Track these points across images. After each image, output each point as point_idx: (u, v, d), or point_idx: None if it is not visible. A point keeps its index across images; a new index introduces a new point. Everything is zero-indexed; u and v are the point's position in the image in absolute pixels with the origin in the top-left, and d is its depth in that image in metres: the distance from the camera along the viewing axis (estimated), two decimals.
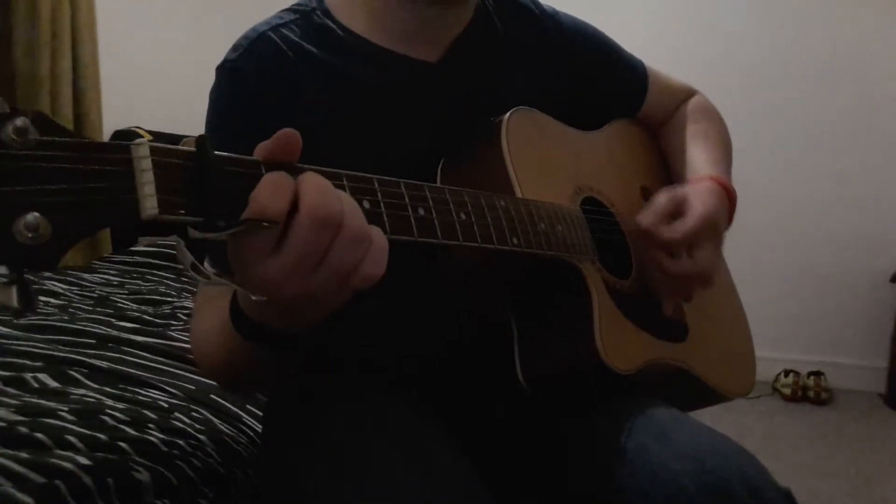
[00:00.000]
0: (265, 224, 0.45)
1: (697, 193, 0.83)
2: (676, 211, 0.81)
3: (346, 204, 0.47)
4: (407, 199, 0.55)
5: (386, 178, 0.53)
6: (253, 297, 0.48)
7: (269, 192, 0.45)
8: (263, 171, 0.46)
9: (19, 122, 0.36)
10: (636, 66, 0.98)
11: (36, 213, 0.36)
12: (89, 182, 0.38)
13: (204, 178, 0.43)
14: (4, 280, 0.37)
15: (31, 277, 0.38)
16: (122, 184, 0.39)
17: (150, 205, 0.40)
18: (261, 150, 0.48)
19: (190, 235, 0.44)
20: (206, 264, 0.46)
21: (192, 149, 0.43)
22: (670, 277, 0.81)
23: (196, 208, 0.42)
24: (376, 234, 0.48)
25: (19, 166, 0.36)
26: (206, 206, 0.43)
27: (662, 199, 0.81)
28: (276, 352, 0.60)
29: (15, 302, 0.37)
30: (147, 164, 0.40)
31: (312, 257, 0.46)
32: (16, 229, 0.36)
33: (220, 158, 0.44)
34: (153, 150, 0.40)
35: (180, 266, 0.44)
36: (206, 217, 0.43)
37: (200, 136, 0.43)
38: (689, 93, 1.04)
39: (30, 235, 0.36)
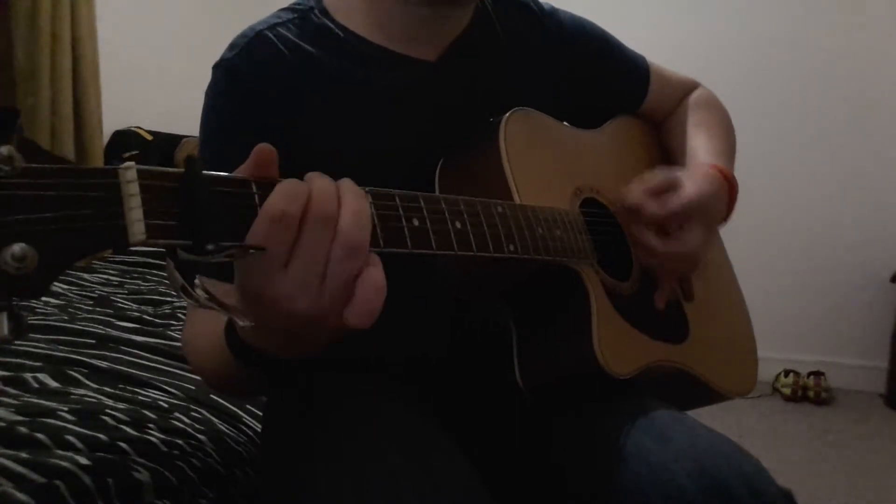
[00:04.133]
0: (252, 251, 0.45)
1: (692, 176, 0.82)
2: (668, 189, 0.81)
3: (346, 208, 0.47)
4: (400, 211, 0.54)
5: (379, 189, 0.53)
6: (241, 323, 0.48)
7: (288, 196, 0.45)
8: (254, 189, 0.46)
9: (4, 150, 0.35)
10: (638, 62, 0.98)
11: (22, 244, 0.36)
12: (76, 209, 0.38)
13: (193, 200, 0.42)
14: None
15: (21, 304, 0.37)
16: (109, 210, 0.39)
17: (138, 230, 0.39)
18: (241, 171, 0.47)
19: (179, 258, 0.43)
20: (196, 286, 0.45)
21: (181, 170, 0.42)
22: (654, 256, 0.80)
23: (186, 231, 0.42)
24: (375, 266, 0.48)
25: (5, 195, 0.36)
26: (195, 229, 0.42)
27: (655, 175, 0.81)
28: (271, 376, 0.61)
29: (5, 330, 0.37)
30: (134, 188, 0.39)
31: (318, 266, 0.46)
32: (2, 260, 0.35)
33: (210, 178, 0.43)
34: (141, 174, 0.40)
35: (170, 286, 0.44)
36: (195, 240, 0.42)
37: (189, 157, 0.43)
38: (692, 86, 1.04)
39: (17, 266, 0.35)
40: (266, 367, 0.60)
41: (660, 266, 0.82)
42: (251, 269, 0.47)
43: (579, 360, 0.72)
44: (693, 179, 0.82)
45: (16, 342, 1.23)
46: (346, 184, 0.49)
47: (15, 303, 0.37)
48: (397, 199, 0.54)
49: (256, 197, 0.46)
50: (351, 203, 0.47)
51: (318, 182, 0.47)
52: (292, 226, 0.45)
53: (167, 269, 0.44)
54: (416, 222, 0.55)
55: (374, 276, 0.47)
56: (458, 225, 0.59)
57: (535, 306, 0.76)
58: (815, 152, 2.87)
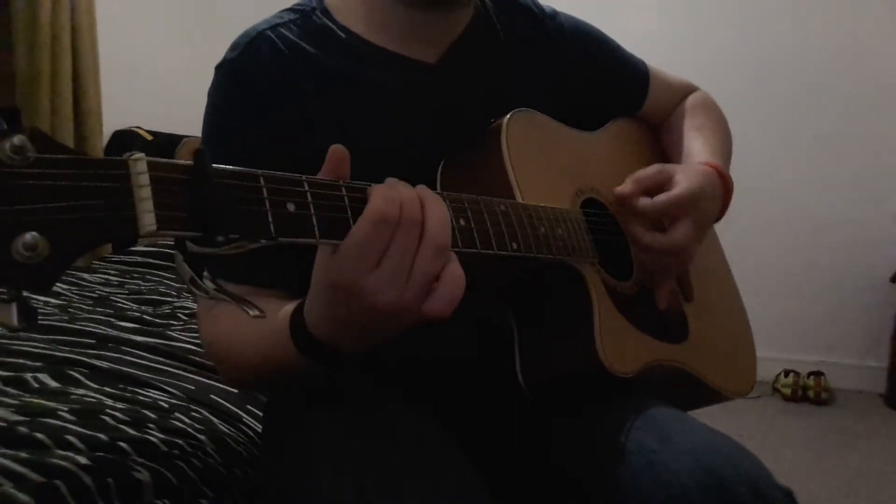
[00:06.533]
0: (262, 242, 0.45)
1: (686, 171, 0.83)
2: (661, 184, 0.81)
3: (431, 212, 0.51)
4: None
5: None
6: (251, 314, 0.48)
7: (388, 200, 0.50)
8: (262, 182, 0.46)
9: (17, 140, 0.36)
10: (637, 66, 0.99)
11: (34, 233, 0.36)
12: (87, 199, 0.38)
13: (202, 192, 0.42)
14: (4, 298, 0.37)
15: (31, 294, 0.38)
16: (120, 200, 0.39)
17: (148, 221, 0.40)
18: (323, 173, 0.52)
19: (189, 250, 0.43)
20: (204, 278, 0.46)
21: (190, 162, 0.43)
22: (645, 251, 0.80)
23: (195, 223, 0.42)
24: (455, 262, 0.52)
25: (17, 185, 0.36)
26: (204, 221, 0.42)
27: (649, 169, 0.81)
28: (329, 369, 0.62)
29: (15, 320, 0.37)
30: (145, 179, 0.40)
31: (406, 264, 0.50)
32: (14, 249, 0.35)
33: (219, 172, 0.44)
34: (151, 165, 0.40)
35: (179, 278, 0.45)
36: (204, 231, 0.43)
37: (198, 150, 0.43)
38: (690, 89, 1.05)
39: (28, 255, 0.36)
40: (330, 360, 0.61)
41: (651, 261, 0.82)
42: (345, 265, 0.50)
43: (581, 358, 0.72)
44: (686, 174, 0.82)
45: (16, 342, 1.24)
46: (425, 189, 0.53)
47: (25, 294, 0.37)
48: None
49: (264, 190, 0.46)
50: (434, 207, 0.52)
51: (403, 188, 0.52)
52: (391, 227, 0.49)
53: (176, 262, 0.44)
54: None
55: (457, 271, 0.52)
56: (462, 222, 0.59)
57: (536, 304, 0.76)
58: (815, 152, 2.87)
